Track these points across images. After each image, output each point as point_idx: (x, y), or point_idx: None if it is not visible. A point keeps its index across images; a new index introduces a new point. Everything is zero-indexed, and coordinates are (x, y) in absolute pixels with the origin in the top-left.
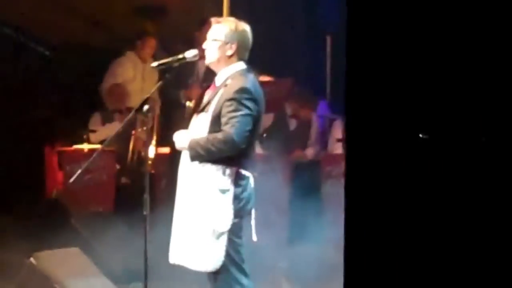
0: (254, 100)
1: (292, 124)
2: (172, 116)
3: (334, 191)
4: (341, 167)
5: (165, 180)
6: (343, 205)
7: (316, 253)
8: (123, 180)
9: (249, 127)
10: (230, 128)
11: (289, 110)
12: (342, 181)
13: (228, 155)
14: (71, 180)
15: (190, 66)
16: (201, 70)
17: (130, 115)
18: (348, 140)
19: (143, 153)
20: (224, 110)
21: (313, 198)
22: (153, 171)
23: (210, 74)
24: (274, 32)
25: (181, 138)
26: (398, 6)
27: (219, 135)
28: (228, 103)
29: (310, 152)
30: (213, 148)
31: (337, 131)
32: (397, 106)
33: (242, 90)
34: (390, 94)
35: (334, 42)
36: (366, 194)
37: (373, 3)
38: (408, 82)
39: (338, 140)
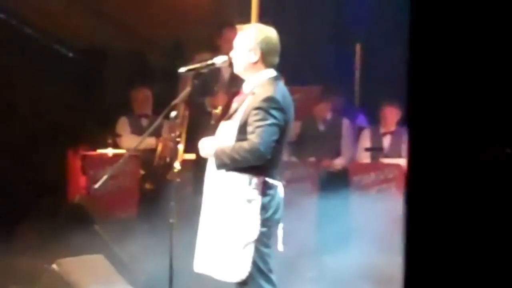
0: (281, 109)
1: (322, 131)
2: (198, 123)
3: (362, 200)
4: (369, 177)
5: (190, 187)
6: (371, 214)
7: (344, 263)
8: (147, 186)
9: (274, 137)
10: (256, 137)
11: (319, 118)
12: (370, 190)
13: (253, 164)
14: (96, 186)
15: (215, 73)
16: (225, 77)
17: (158, 121)
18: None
19: (168, 159)
20: (250, 119)
21: (341, 207)
22: (178, 180)
23: (235, 81)
24: (304, 40)
25: (207, 146)
26: (466, 10)
27: (245, 144)
28: (255, 111)
29: (340, 161)
30: (238, 157)
31: (365, 140)
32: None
33: (269, 99)
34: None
35: (363, 50)
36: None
37: (438, 7)
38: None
39: (366, 149)
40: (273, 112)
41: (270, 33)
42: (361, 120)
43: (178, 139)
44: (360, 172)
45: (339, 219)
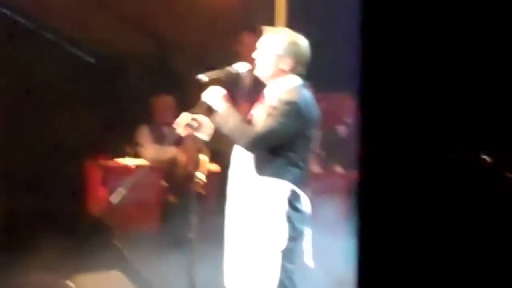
0: (300, 117)
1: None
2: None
3: None
4: None
5: (214, 200)
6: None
7: None
8: (170, 198)
9: (275, 141)
10: (260, 128)
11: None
12: None
13: (236, 143)
14: (114, 200)
15: (235, 80)
16: (246, 83)
17: (175, 131)
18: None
19: (192, 170)
20: (265, 112)
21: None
22: (203, 192)
23: (257, 88)
24: (330, 46)
25: (218, 98)
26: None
27: (247, 128)
28: (271, 110)
29: None
30: (232, 132)
31: None
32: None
33: (290, 103)
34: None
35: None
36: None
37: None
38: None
39: None
40: (289, 114)
41: (302, 41)
42: None
43: (201, 150)
44: None
45: None
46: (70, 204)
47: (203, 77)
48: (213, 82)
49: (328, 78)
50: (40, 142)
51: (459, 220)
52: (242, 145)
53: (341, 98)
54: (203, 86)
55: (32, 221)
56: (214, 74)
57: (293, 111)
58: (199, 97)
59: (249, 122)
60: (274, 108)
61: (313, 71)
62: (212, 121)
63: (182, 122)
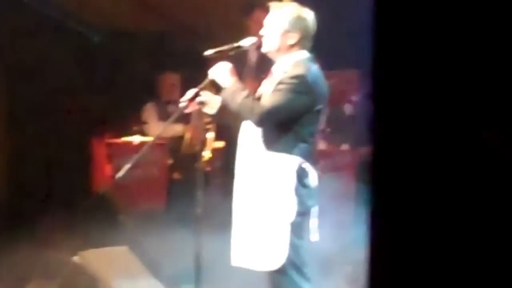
0: (308, 91)
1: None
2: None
3: None
4: None
5: (220, 176)
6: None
7: None
8: (175, 175)
9: (283, 115)
10: (265, 102)
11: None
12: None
13: (244, 118)
14: (119, 175)
15: (241, 57)
16: (253, 61)
17: (183, 106)
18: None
19: (197, 148)
20: (273, 88)
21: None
22: (208, 168)
23: (263, 65)
24: (337, 21)
25: (225, 73)
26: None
27: (255, 103)
28: (279, 86)
29: None
30: (240, 103)
31: None
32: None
33: (297, 77)
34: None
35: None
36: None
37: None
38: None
39: None
40: (298, 89)
41: (308, 15)
42: None
43: (207, 127)
44: None
45: None
46: (77, 181)
47: (209, 53)
48: (220, 57)
49: (339, 55)
50: (48, 120)
51: (475, 201)
52: (250, 120)
53: (347, 76)
54: (209, 62)
55: (39, 198)
56: (221, 49)
57: (301, 85)
58: (205, 75)
59: (258, 99)
60: (282, 83)
61: (325, 47)
62: (220, 97)
63: (189, 97)
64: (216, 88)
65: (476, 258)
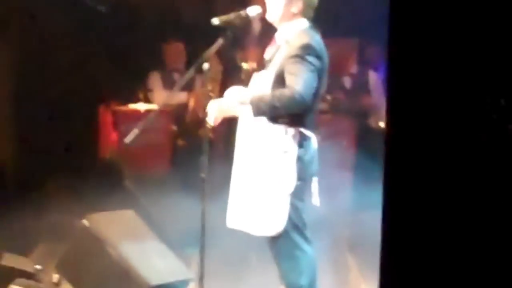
0: (318, 57)
1: (348, 83)
2: (229, 78)
3: None
4: None
5: (222, 143)
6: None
7: (379, 221)
8: (180, 142)
9: (315, 84)
10: (297, 84)
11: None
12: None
13: (293, 112)
14: (127, 140)
15: (245, 26)
16: (256, 30)
17: (189, 73)
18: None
19: (201, 115)
20: (288, 68)
21: (378, 165)
22: (211, 135)
23: (266, 34)
24: None
25: (240, 94)
26: None
27: (286, 91)
28: (292, 60)
29: (373, 121)
30: (279, 105)
31: None
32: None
33: (306, 47)
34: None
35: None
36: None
37: None
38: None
39: None
40: (311, 59)
41: None
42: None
43: (211, 94)
44: None
45: (376, 177)
46: (84, 147)
47: (215, 21)
48: (226, 25)
49: (339, 23)
50: (56, 88)
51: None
52: (296, 111)
53: (347, 44)
54: (215, 31)
55: (48, 163)
56: (227, 17)
57: (311, 53)
58: (210, 43)
59: (264, 67)
60: (294, 56)
61: (318, 16)
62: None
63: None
64: (220, 57)
65: (493, 236)
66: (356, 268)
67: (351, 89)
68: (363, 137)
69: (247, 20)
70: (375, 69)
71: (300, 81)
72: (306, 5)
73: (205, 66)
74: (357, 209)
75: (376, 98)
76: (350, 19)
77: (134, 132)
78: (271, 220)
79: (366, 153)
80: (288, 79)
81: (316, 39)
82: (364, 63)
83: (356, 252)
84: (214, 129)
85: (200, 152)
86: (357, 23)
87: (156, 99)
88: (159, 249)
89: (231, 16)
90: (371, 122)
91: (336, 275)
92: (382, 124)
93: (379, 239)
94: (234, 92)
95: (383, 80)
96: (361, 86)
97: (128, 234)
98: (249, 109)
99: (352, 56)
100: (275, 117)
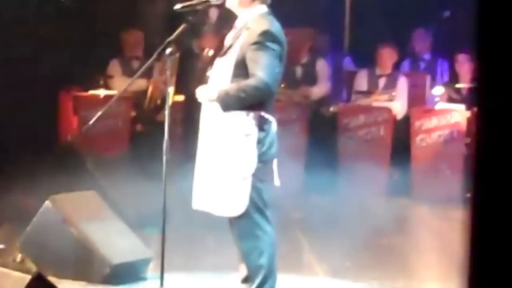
0: (278, 42)
1: (298, 72)
2: (186, 66)
3: (350, 143)
4: (358, 120)
5: (180, 128)
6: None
7: (331, 204)
8: (138, 127)
9: (277, 69)
10: (261, 72)
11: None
12: (358, 133)
13: (260, 100)
14: (90, 123)
15: (201, 14)
16: (213, 19)
17: (152, 58)
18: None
19: (159, 101)
20: (250, 54)
21: (329, 150)
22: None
23: (223, 22)
24: None
25: (207, 91)
26: None
27: (251, 81)
28: (253, 46)
29: (314, 91)
30: (245, 96)
31: (361, 82)
32: None
33: (266, 33)
34: None
35: None
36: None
37: None
38: None
39: (357, 92)
40: (272, 45)
41: None
42: (348, 62)
43: (169, 81)
44: (349, 114)
45: (327, 161)
46: (46, 131)
47: (178, 7)
48: (188, 10)
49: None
50: (18, 74)
51: None
52: (263, 98)
53: (303, 33)
54: (173, 19)
55: (10, 147)
56: (189, 4)
57: (271, 37)
58: (169, 32)
59: (225, 53)
60: (254, 43)
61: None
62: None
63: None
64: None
65: None
66: (308, 248)
67: (301, 77)
68: (315, 123)
69: (209, 5)
70: (325, 58)
71: (263, 69)
72: None
73: (168, 51)
74: (308, 191)
75: (324, 86)
76: (302, 8)
77: (97, 115)
78: (233, 201)
79: (317, 138)
80: (251, 67)
81: (275, 25)
82: (315, 52)
83: (308, 234)
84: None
85: (157, 137)
86: (308, 12)
87: (116, 86)
88: (120, 229)
89: (193, 2)
90: (322, 109)
91: (290, 254)
92: (332, 110)
93: (329, 221)
94: (201, 90)
95: (331, 68)
96: (311, 74)
97: (90, 214)
98: (217, 106)
99: (305, 46)
100: (244, 107)
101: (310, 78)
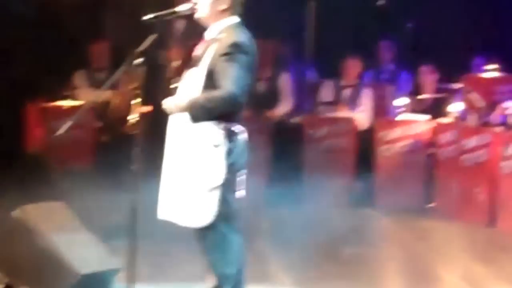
0: (248, 53)
1: (261, 88)
2: (152, 77)
3: (314, 154)
4: (322, 131)
5: (146, 138)
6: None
7: (295, 215)
8: (104, 138)
9: (247, 81)
10: (230, 84)
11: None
12: (323, 144)
13: (229, 111)
14: (60, 132)
15: (169, 26)
16: (179, 30)
17: (121, 69)
18: None
19: (124, 112)
20: (219, 66)
21: (294, 161)
22: (135, 131)
23: (189, 34)
24: None
25: (177, 102)
26: None
27: (220, 92)
28: (223, 58)
29: (278, 111)
30: (213, 106)
31: (327, 93)
32: None
33: (236, 44)
34: None
35: (316, 5)
36: None
37: None
38: None
39: (322, 103)
40: (242, 57)
41: None
42: (311, 74)
43: (134, 92)
44: (314, 125)
45: (292, 172)
46: (13, 143)
47: (147, 18)
48: (156, 22)
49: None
50: None
51: None
52: (232, 110)
53: (268, 45)
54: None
55: None
56: (158, 14)
57: (241, 49)
58: (136, 43)
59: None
60: (224, 54)
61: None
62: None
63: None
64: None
65: None
66: (272, 259)
67: (264, 94)
68: (279, 134)
69: (178, 15)
70: (288, 70)
71: (232, 81)
72: (234, 2)
73: (137, 62)
74: (272, 202)
75: (288, 103)
76: (264, 19)
77: (66, 125)
78: (201, 212)
79: (281, 149)
80: (220, 79)
81: (245, 36)
82: (279, 65)
83: (272, 244)
84: (137, 125)
85: (122, 147)
86: (271, 23)
87: (82, 97)
88: (88, 239)
89: (162, 13)
90: (285, 119)
91: (254, 265)
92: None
93: (293, 231)
94: (170, 101)
95: (294, 79)
96: (274, 91)
97: (59, 225)
98: (186, 116)
99: (268, 58)
100: (213, 118)
101: (273, 95)
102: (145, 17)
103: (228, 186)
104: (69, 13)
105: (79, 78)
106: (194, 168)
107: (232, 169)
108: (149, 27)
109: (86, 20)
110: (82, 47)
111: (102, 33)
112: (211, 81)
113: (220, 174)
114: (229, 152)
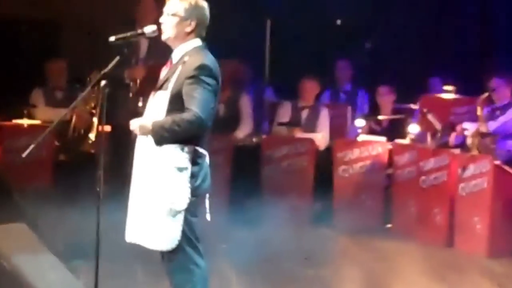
0: (214, 77)
1: (221, 110)
2: (114, 96)
3: (273, 174)
4: (281, 151)
5: (106, 158)
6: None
7: (255, 235)
8: (62, 157)
9: (212, 104)
10: (196, 107)
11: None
12: (281, 164)
13: (194, 135)
14: (24, 154)
15: (132, 45)
16: (143, 49)
17: (87, 89)
18: None
19: (82, 131)
20: (185, 89)
21: (253, 181)
22: (93, 150)
23: (153, 53)
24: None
25: (141, 124)
26: None
27: (185, 115)
28: (189, 81)
29: (239, 134)
30: (179, 130)
31: (284, 113)
32: None
33: (202, 67)
34: None
35: (274, 26)
36: None
37: None
38: None
39: (280, 124)
40: (207, 79)
41: (205, 4)
42: (269, 94)
43: (92, 111)
44: (272, 146)
45: (251, 192)
46: None
47: (112, 39)
48: (122, 42)
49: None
50: None
51: None
52: (198, 133)
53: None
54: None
55: None
56: (124, 36)
57: (207, 72)
58: (95, 63)
59: (161, 86)
60: (190, 77)
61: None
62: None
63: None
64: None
65: None
66: (234, 280)
67: (224, 117)
68: (238, 154)
69: (143, 36)
70: (247, 91)
71: (198, 103)
72: (199, 24)
73: (103, 82)
74: (232, 223)
75: (248, 125)
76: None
77: (31, 147)
78: (166, 235)
79: (240, 170)
80: (187, 101)
81: (210, 58)
82: (238, 86)
83: (234, 265)
84: (95, 144)
85: (80, 166)
86: (229, 43)
87: (39, 115)
88: (51, 261)
89: (127, 34)
90: (245, 140)
91: (216, 287)
92: (254, 141)
93: (255, 251)
94: (135, 122)
95: (253, 99)
96: (234, 113)
97: (21, 247)
98: (151, 139)
99: (227, 78)
100: (178, 140)
101: (233, 117)
102: (111, 39)
103: (192, 210)
104: (25, 31)
105: (36, 96)
106: (159, 192)
107: (196, 193)
108: (107, 46)
109: (43, 38)
110: (39, 65)
111: (59, 51)
112: (176, 104)
113: (184, 198)
114: (194, 176)
